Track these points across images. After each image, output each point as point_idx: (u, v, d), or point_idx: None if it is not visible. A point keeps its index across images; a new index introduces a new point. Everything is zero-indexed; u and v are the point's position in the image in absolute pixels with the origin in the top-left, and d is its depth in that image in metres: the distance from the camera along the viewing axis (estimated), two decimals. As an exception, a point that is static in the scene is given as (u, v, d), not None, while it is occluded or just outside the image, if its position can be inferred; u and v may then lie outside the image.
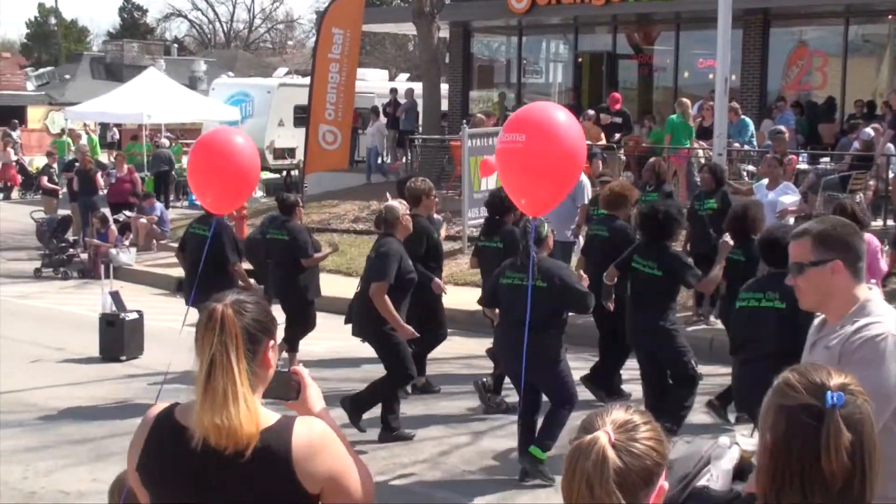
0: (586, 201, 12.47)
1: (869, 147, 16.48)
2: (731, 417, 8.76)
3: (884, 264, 9.59)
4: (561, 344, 7.96)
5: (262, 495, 2.84)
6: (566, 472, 2.31)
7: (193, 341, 2.90)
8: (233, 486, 2.84)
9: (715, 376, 9.69)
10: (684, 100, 18.62)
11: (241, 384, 2.80)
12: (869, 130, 16.84)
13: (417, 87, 27.09)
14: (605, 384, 9.86)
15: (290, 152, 29.16)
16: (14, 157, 31.17)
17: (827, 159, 17.60)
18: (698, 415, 8.86)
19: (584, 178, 13.03)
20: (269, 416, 2.88)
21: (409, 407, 9.35)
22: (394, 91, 27.76)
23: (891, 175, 16.16)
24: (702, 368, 8.80)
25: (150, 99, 25.37)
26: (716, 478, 3.81)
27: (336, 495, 2.89)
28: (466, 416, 9.57)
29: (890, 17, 21.50)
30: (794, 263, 3.72)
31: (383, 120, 26.96)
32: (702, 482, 3.77)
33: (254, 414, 2.81)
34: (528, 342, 7.31)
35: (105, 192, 20.86)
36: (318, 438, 2.87)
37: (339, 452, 2.91)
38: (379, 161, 26.24)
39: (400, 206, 9.02)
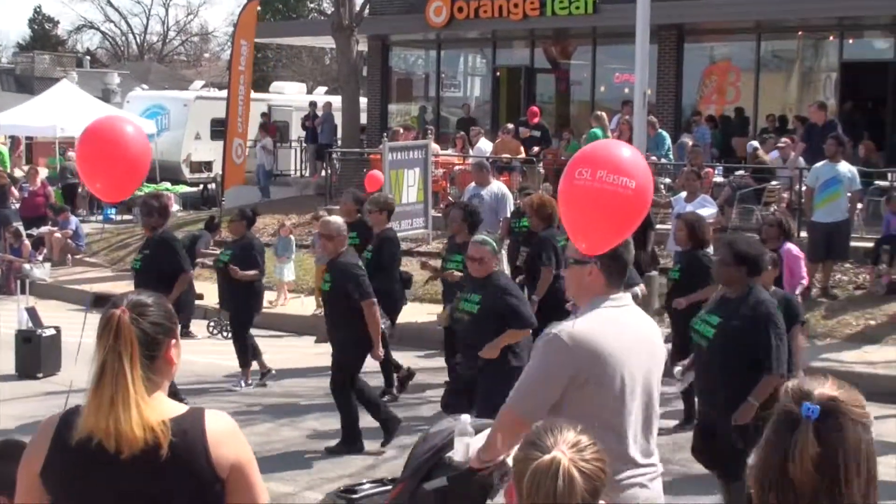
0: (508, 214, 12.56)
1: (756, 158, 17.00)
2: None
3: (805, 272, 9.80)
4: None
5: (180, 481, 2.84)
6: (527, 491, 2.35)
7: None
8: (149, 476, 2.83)
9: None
10: (600, 113, 18.67)
11: (133, 391, 2.80)
12: (754, 143, 17.58)
13: (335, 100, 26.99)
14: None
15: (208, 165, 28.89)
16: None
17: (741, 172, 17.97)
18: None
19: (506, 190, 13.14)
20: (178, 407, 2.93)
21: (335, 422, 9.26)
22: (313, 104, 27.60)
23: (803, 188, 16.55)
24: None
25: (63, 112, 24.89)
26: (456, 450, 4.13)
27: (240, 486, 2.91)
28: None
29: (799, 32, 22.02)
30: (565, 257, 4.32)
31: (298, 135, 26.62)
32: (448, 454, 4.12)
33: (145, 418, 2.80)
34: None
35: (18, 206, 20.45)
36: (230, 425, 2.95)
37: (246, 444, 2.98)
38: (268, 176, 25.79)
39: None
